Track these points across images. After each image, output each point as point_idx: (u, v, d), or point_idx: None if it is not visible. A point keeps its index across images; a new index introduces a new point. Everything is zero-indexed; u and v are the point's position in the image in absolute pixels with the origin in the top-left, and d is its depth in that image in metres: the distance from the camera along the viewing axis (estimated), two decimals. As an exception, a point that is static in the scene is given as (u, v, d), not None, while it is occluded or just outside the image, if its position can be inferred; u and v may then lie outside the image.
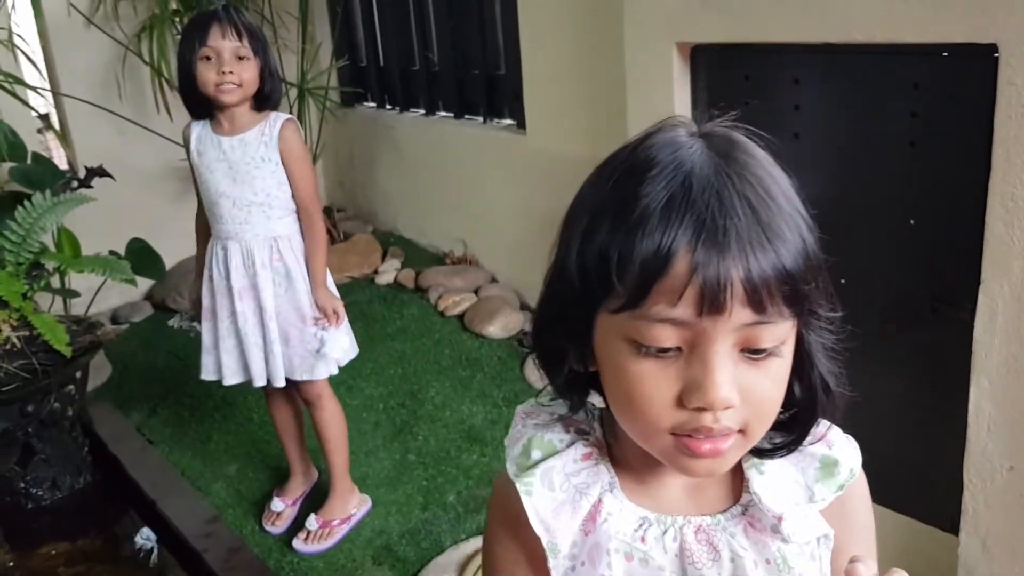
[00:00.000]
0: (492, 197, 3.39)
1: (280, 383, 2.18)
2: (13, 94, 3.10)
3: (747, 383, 0.62)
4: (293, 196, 2.13)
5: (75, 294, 2.97)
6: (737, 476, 0.73)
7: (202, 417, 2.87)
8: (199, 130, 2.13)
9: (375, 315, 3.35)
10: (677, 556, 0.71)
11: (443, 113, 3.69)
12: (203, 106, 2.07)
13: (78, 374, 2.72)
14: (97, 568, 2.35)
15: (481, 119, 3.47)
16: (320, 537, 2.24)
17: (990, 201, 1.52)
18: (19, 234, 2.46)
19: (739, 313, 0.60)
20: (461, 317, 3.24)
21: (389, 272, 3.68)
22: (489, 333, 3.11)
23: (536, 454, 0.74)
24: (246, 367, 2.19)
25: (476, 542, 2.25)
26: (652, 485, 0.74)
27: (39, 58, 3.45)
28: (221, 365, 2.20)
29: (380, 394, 2.81)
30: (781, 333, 0.63)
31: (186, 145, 2.16)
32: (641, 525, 0.72)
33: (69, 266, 2.62)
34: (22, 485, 2.59)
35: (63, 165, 3.45)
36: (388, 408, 2.79)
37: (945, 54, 1.59)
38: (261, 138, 2.07)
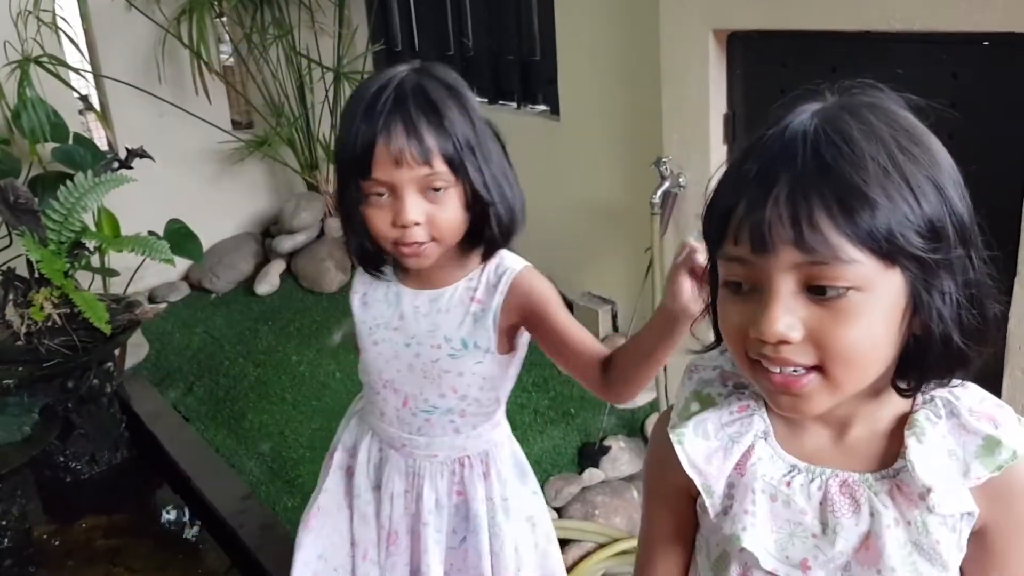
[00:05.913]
0: (524, 182, 3.36)
1: None
2: (56, 75, 3.14)
3: (815, 322, 0.65)
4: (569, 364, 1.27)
5: (114, 273, 3.03)
6: (896, 440, 0.75)
7: (237, 396, 2.92)
8: None
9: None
10: (820, 504, 0.75)
11: (477, 98, 3.69)
12: (375, 258, 1.28)
13: (117, 351, 2.77)
14: (134, 541, 2.41)
15: (515, 105, 3.47)
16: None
17: (1029, 193, 1.51)
18: (61, 213, 2.50)
19: (787, 253, 0.64)
20: (492, 302, 3.25)
21: (421, 256, 3.69)
22: (520, 319, 3.10)
23: (695, 407, 0.81)
24: None
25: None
26: (806, 437, 0.78)
27: (81, 40, 3.50)
28: None
29: (411, 377, 2.83)
30: (853, 275, 0.64)
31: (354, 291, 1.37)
32: (790, 472, 0.77)
33: (110, 245, 2.66)
34: (61, 459, 2.65)
35: (103, 146, 3.50)
36: (419, 391, 2.81)
37: (986, 43, 1.57)
38: (469, 304, 1.26)
